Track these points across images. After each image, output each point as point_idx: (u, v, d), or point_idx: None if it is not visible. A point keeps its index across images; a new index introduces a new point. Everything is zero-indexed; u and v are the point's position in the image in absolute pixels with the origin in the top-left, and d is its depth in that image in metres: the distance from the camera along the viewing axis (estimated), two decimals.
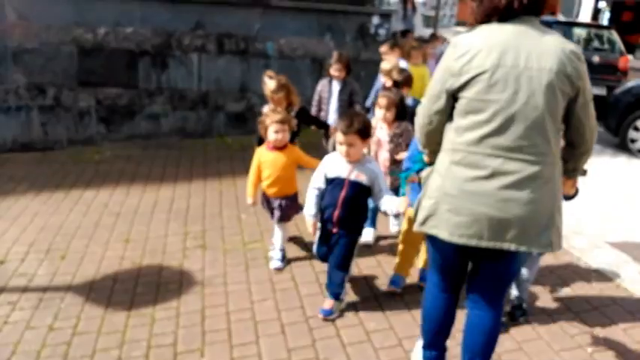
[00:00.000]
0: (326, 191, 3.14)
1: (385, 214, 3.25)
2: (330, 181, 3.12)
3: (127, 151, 6.26)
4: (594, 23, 16.22)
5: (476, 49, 2.00)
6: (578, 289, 3.60)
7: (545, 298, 3.46)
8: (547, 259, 3.77)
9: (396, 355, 2.88)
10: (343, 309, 3.24)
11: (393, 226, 4.26)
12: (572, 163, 2.27)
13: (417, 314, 3.09)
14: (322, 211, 3.17)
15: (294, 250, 3.94)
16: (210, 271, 3.67)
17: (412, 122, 4.24)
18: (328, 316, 3.12)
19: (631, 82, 7.98)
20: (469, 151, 2.06)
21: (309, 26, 7.06)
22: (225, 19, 6.72)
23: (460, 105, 2.08)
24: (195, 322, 3.13)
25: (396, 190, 3.49)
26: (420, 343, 2.67)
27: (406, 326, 3.10)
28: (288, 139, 3.65)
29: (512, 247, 2.08)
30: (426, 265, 3.31)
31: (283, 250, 3.79)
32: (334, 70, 4.93)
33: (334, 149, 5.07)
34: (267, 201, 3.74)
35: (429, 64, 6.80)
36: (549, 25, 9.50)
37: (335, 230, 3.11)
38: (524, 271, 3.07)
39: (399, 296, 3.40)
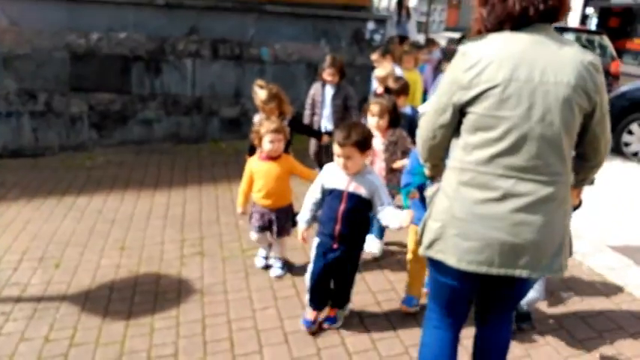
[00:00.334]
0: (324, 203, 2.98)
1: (387, 227, 3.03)
2: (328, 193, 2.95)
3: (120, 157, 6.16)
4: (585, 28, 16.36)
5: (487, 61, 1.83)
6: (582, 293, 3.56)
7: (550, 303, 3.41)
8: None
9: None
10: (347, 317, 3.17)
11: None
12: (582, 175, 2.15)
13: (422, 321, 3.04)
14: (321, 225, 2.98)
15: (294, 257, 3.87)
16: (210, 279, 3.59)
17: (413, 132, 4.20)
18: (310, 328, 3.02)
19: (624, 87, 8.03)
20: (479, 171, 1.90)
21: (304, 31, 7.00)
22: (219, 24, 6.65)
23: (468, 120, 1.91)
24: (196, 331, 3.05)
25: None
26: None
27: (412, 333, 3.03)
28: (283, 149, 3.53)
29: (525, 273, 1.94)
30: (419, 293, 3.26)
31: (284, 260, 3.71)
32: (327, 74, 4.81)
33: (316, 156, 5.04)
34: (260, 214, 3.54)
35: (425, 70, 6.80)
36: None
37: (335, 246, 2.91)
38: (532, 292, 2.95)
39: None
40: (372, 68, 6.03)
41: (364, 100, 6.03)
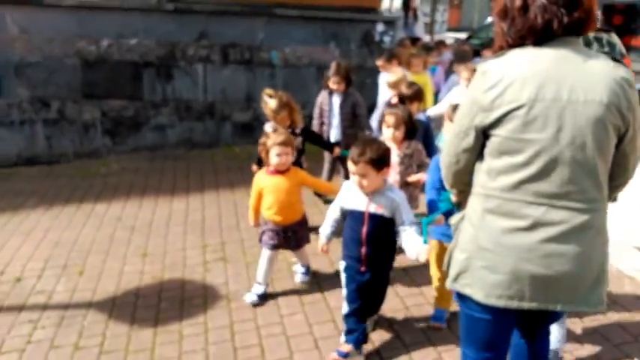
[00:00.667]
0: (346, 224, 2.85)
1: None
2: (348, 213, 2.82)
3: (134, 164, 6.16)
4: None
5: (509, 80, 1.68)
6: (614, 296, 3.46)
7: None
8: None
9: None
10: (377, 321, 3.15)
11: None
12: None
13: (455, 326, 3.04)
14: (346, 247, 2.84)
15: (319, 262, 3.84)
16: (234, 285, 3.58)
17: (426, 139, 4.16)
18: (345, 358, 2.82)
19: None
20: (505, 198, 1.75)
21: (313, 34, 7.01)
22: (229, 28, 6.66)
23: (492, 144, 1.76)
24: (225, 337, 3.04)
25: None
26: None
27: (445, 338, 3.03)
28: (291, 162, 3.39)
29: (559, 307, 1.81)
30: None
31: (308, 265, 3.68)
32: (333, 82, 4.62)
33: (330, 175, 4.83)
34: (273, 232, 3.37)
35: (437, 72, 6.78)
36: None
37: (363, 269, 2.77)
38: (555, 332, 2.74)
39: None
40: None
41: (373, 106, 6.02)
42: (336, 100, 4.70)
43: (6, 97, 5.93)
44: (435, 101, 5.94)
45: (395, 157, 3.52)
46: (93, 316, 3.23)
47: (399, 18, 8.44)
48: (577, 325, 3.17)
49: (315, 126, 4.85)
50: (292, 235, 3.41)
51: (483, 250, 1.80)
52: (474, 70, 5.10)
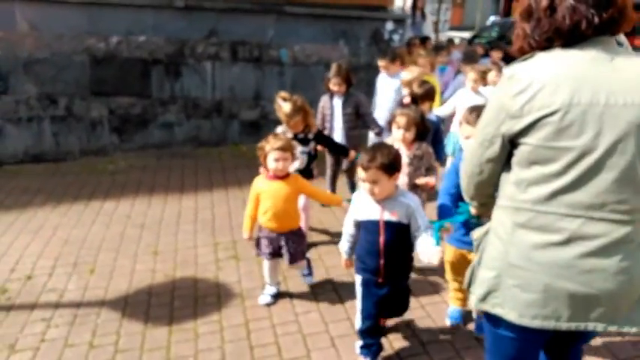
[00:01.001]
0: (360, 236, 2.74)
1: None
2: (362, 225, 2.72)
3: (142, 161, 6.13)
4: None
5: (539, 84, 1.57)
6: None
7: None
8: None
9: None
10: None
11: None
12: None
13: (471, 325, 3.00)
14: (360, 261, 2.74)
15: (332, 259, 3.81)
16: (247, 283, 3.55)
17: (436, 140, 4.10)
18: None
19: None
20: (538, 211, 1.64)
21: (323, 32, 6.97)
22: (238, 26, 6.62)
23: (521, 153, 1.65)
24: (241, 336, 3.01)
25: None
26: None
27: (462, 336, 3.00)
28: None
29: (600, 327, 1.69)
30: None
31: (310, 268, 3.58)
32: (333, 84, 4.53)
33: (332, 182, 4.73)
34: (268, 240, 3.28)
35: (447, 72, 6.74)
36: None
37: (381, 280, 2.68)
38: None
39: None
40: None
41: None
42: (338, 103, 4.61)
43: (14, 94, 5.90)
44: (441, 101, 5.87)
45: (404, 157, 3.41)
46: (106, 315, 3.20)
47: (408, 16, 8.39)
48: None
49: None
50: (285, 245, 3.26)
51: (514, 267, 1.70)
52: (483, 72, 5.10)
